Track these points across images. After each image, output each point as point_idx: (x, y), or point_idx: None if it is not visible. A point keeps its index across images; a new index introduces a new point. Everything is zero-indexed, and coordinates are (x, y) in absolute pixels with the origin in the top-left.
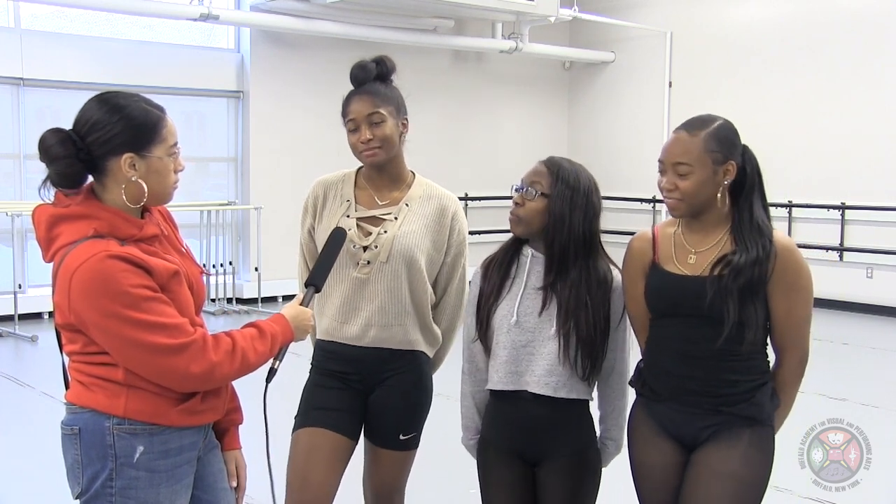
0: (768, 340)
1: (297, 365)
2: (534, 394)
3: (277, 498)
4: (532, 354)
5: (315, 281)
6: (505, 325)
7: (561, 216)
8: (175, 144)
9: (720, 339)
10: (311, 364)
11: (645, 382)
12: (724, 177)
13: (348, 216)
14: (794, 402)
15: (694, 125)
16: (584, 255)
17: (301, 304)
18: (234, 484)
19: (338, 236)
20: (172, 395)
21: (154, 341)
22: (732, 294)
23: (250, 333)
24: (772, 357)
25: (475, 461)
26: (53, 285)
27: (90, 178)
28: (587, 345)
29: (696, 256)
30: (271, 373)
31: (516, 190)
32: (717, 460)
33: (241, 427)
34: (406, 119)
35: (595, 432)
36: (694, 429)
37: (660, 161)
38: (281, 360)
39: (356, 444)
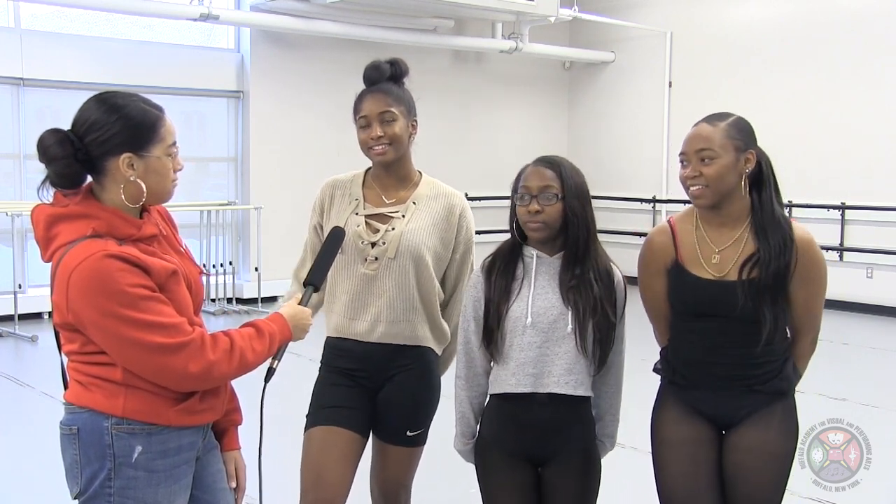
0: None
1: (298, 364)
2: (547, 394)
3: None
4: (548, 355)
5: (313, 280)
6: (519, 326)
7: (579, 213)
8: (174, 144)
9: (759, 342)
10: (321, 362)
11: (675, 370)
12: (745, 165)
13: (357, 213)
14: (805, 370)
15: (713, 117)
16: (593, 247)
17: (299, 304)
18: (234, 485)
19: (336, 235)
20: (171, 394)
21: (152, 340)
22: (766, 299)
23: (248, 333)
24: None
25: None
26: (52, 285)
27: (89, 178)
28: (604, 339)
29: (719, 256)
30: (270, 372)
31: (524, 197)
32: (762, 442)
33: (240, 427)
34: (416, 121)
35: (595, 431)
36: (730, 409)
37: (682, 154)
38: (279, 360)
39: (367, 440)
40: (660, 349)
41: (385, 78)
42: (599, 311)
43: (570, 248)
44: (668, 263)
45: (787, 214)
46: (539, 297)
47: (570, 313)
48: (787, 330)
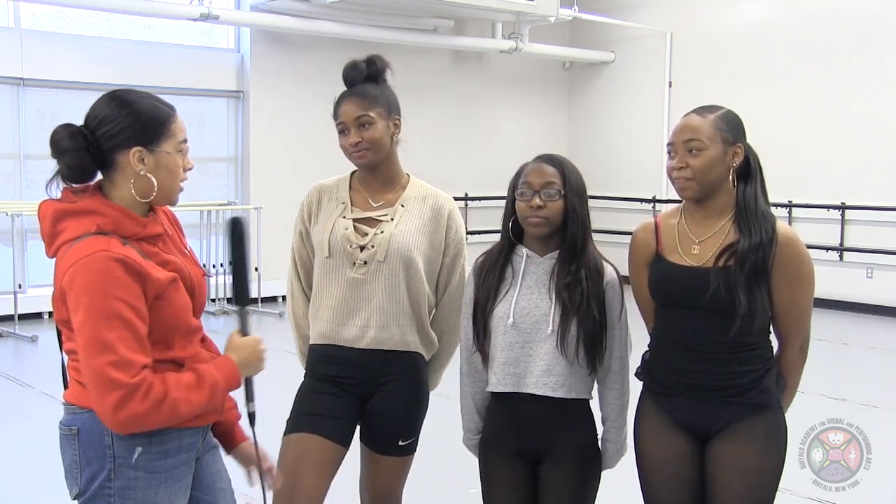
0: (770, 327)
1: (298, 364)
2: (533, 394)
3: None
4: (530, 355)
5: (244, 299)
6: (501, 326)
7: (579, 211)
8: (184, 141)
9: (731, 330)
10: (306, 369)
11: (653, 377)
12: (733, 159)
13: (344, 217)
14: (798, 384)
15: (703, 109)
16: (588, 246)
17: (243, 335)
18: (266, 466)
19: (236, 229)
20: None
21: (101, 359)
22: (741, 284)
23: (188, 382)
24: (774, 343)
25: (475, 461)
26: (54, 280)
27: (99, 176)
28: (589, 338)
29: (699, 246)
30: (252, 416)
31: (525, 193)
32: (735, 457)
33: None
34: (398, 119)
35: (596, 432)
36: (707, 420)
37: (669, 144)
38: (253, 401)
39: (347, 450)
40: (642, 353)
41: (363, 78)
42: (584, 310)
43: (569, 245)
44: (649, 257)
45: (772, 211)
46: (524, 298)
47: (552, 314)
48: (772, 338)
